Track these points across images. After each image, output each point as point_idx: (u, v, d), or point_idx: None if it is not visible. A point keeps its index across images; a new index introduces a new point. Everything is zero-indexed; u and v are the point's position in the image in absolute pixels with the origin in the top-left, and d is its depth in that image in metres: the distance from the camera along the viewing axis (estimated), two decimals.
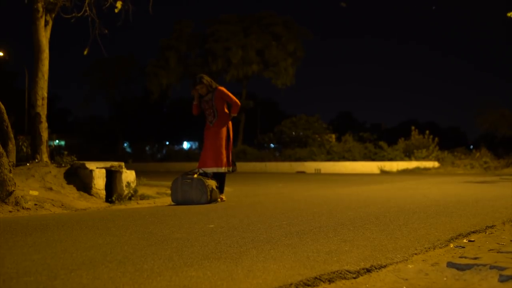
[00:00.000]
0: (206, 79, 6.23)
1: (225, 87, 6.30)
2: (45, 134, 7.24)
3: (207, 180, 5.73)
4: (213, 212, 4.67)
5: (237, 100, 6.20)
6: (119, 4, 7.49)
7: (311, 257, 2.40)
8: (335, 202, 5.68)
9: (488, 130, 38.37)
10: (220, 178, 6.12)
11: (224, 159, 6.04)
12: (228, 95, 6.16)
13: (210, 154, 6.02)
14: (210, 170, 5.99)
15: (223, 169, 6.02)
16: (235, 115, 6.21)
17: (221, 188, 6.09)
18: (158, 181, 10.02)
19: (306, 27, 31.44)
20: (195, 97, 6.25)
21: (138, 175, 7.14)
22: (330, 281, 2.03)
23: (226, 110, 6.18)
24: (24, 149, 8.10)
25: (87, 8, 7.58)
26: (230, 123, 6.23)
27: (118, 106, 48.88)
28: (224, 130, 6.10)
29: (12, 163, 5.25)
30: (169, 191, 6.99)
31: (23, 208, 5.04)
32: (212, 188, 5.72)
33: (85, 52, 7.96)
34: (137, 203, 6.37)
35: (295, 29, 33.91)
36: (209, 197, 5.64)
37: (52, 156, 7.55)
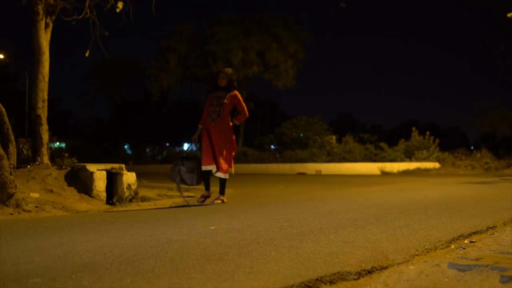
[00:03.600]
0: (231, 72, 6.15)
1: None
2: (45, 136, 7.25)
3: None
4: (214, 214, 4.66)
5: (247, 111, 6.13)
6: (120, 4, 7.49)
7: (312, 259, 2.40)
8: (335, 203, 5.67)
9: (488, 131, 38.36)
10: (220, 180, 6.08)
11: (226, 163, 5.98)
12: (241, 103, 6.08)
13: (211, 153, 5.94)
14: (210, 168, 5.93)
15: (223, 175, 5.96)
16: (238, 124, 6.17)
17: (221, 190, 6.08)
18: (159, 183, 10.03)
19: (307, 29, 31.40)
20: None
21: (138, 177, 7.14)
22: (331, 282, 2.03)
23: (229, 118, 6.06)
24: (25, 152, 8.11)
25: (88, 10, 7.58)
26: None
27: (118, 108, 48.93)
28: (231, 133, 6.05)
29: (12, 165, 5.26)
30: (170, 193, 7.01)
31: (24, 210, 5.05)
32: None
33: (87, 54, 7.97)
34: (138, 205, 6.37)
35: (295, 30, 33.94)
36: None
37: (52, 158, 7.55)
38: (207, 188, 6.09)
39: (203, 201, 5.99)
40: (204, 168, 5.94)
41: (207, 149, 5.93)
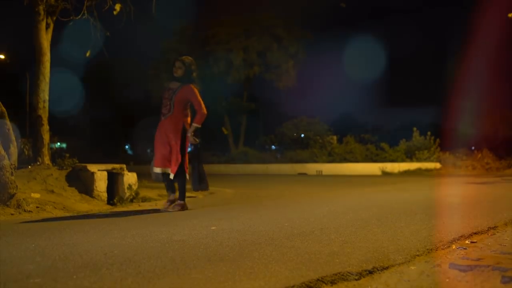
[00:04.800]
0: (190, 61, 5.24)
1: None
2: (46, 137, 7.25)
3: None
4: (214, 214, 4.67)
5: (204, 108, 5.11)
6: (117, 7, 7.50)
7: (313, 259, 2.40)
8: (336, 203, 5.67)
9: (489, 131, 38.23)
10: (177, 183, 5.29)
11: (174, 164, 5.08)
12: (196, 98, 5.11)
13: (163, 153, 5.12)
14: (158, 170, 5.13)
15: (171, 174, 5.11)
16: (199, 126, 5.11)
17: (180, 195, 5.25)
18: (160, 183, 10.02)
19: (308, 29, 31.28)
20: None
21: (139, 177, 7.13)
22: (332, 283, 2.03)
23: (184, 116, 5.16)
24: (26, 152, 8.12)
25: (85, 11, 7.59)
26: (187, 134, 5.14)
27: (119, 108, 48.93)
28: (179, 132, 5.10)
29: (14, 165, 5.26)
30: None
31: (25, 210, 5.05)
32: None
33: (87, 54, 7.97)
34: (139, 205, 6.37)
35: (296, 30, 33.93)
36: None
37: (53, 159, 7.56)
38: (171, 190, 5.30)
39: (169, 206, 5.20)
40: (154, 170, 5.15)
41: (158, 148, 5.16)
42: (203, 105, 5.12)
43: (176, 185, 5.27)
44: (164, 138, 5.12)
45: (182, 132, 5.13)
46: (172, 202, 5.25)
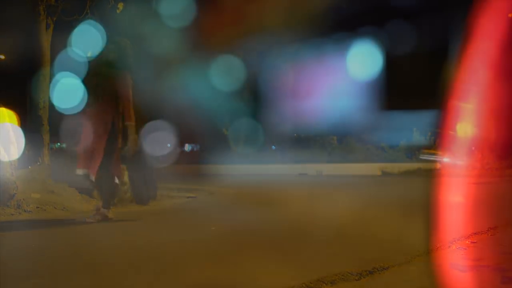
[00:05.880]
0: (125, 44, 4.51)
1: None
2: (46, 137, 7.24)
3: None
4: (215, 215, 4.67)
5: (131, 102, 4.19)
6: (120, 5, 7.49)
7: (314, 260, 2.40)
8: (336, 204, 5.67)
9: (489, 131, 38.21)
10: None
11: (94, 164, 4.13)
12: (126, 88, 4.25)
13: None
14: (80, 172, 4.20)
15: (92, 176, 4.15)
16: (132, 123, 4.17)
17: (104, 201, 4.26)
18: (159, 183, 10.01)
19: (309, 29, 31.19)
20: None
21: None
22: (333, 283, 2.02)
23: (113, 107, 4.20)
24: (26, 152, 8.11)
25: (88, 11, 7.58)
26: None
27: None
28: (107, 125, 4.16)
29: (14, 166, 5.26)
30: (171, 193, 6.99)
31: (25, 211, 5.04)
32: None
33: (89, 54, 7.97)
34: (139, 206, 6.36)
35: (296, 31, 33.91)
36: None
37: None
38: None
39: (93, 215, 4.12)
40: (76, 171, 4.25)
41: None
42: (131, 99, 4.18)
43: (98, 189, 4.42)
44: (90, 132, 4.19)
45: (111, 126, 4.17)
46: (97, 210, 4.21)
